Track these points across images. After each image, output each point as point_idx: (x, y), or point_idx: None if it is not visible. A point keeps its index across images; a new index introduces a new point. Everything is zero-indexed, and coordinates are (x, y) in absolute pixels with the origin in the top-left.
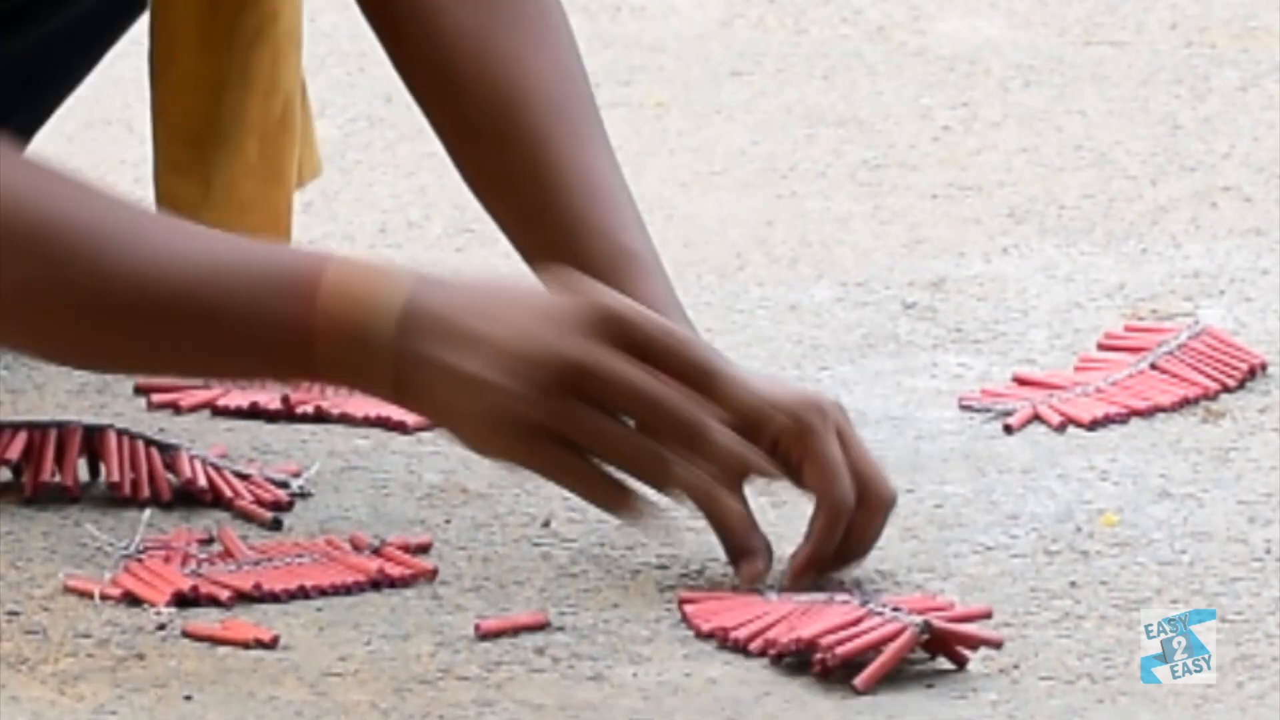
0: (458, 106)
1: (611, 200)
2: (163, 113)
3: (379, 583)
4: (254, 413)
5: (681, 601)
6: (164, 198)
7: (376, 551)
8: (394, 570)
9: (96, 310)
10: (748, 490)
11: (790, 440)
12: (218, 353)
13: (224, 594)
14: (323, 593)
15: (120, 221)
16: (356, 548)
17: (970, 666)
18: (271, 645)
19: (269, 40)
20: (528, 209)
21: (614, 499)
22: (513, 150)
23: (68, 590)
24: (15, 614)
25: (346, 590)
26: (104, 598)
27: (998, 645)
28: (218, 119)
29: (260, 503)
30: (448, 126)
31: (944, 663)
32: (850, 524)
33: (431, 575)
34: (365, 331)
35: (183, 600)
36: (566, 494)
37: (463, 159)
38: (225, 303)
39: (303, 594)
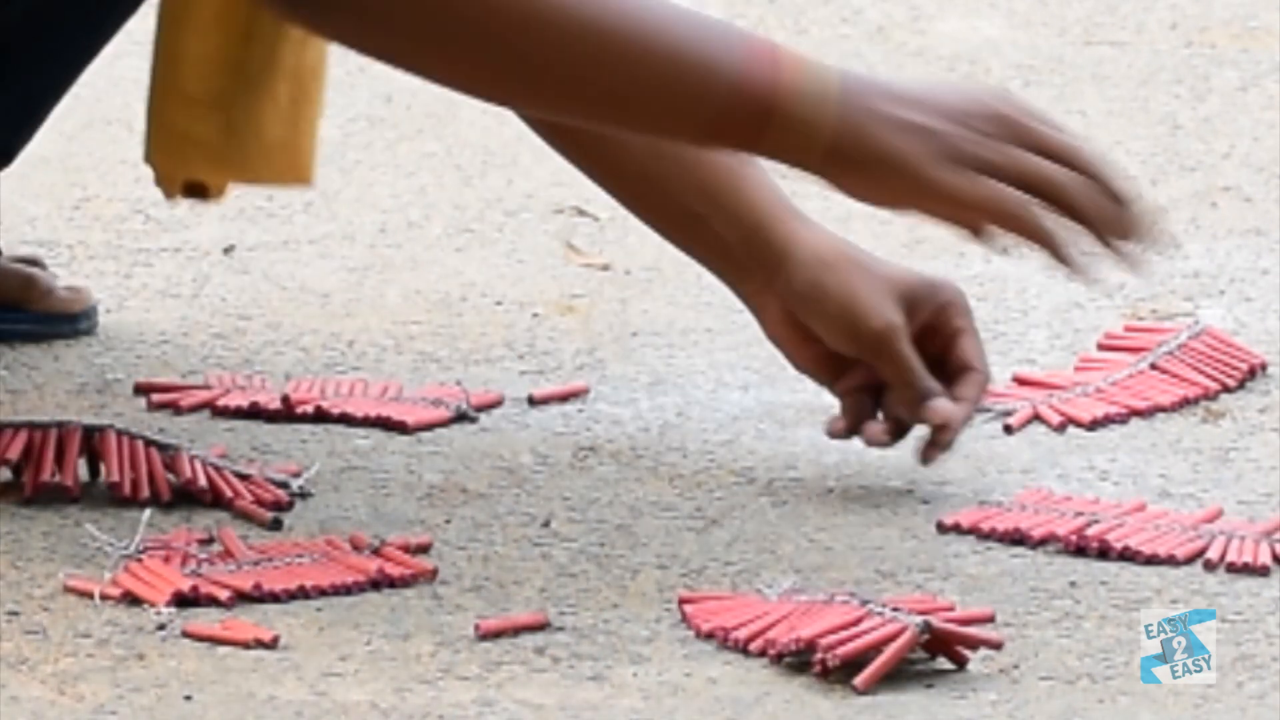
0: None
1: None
2: (176, 54)
3: (379, 583)
4: (254, 413)
5: (681, 601)
6: (172, 139)
7: (376, 551)
8: (394, 570)
9: (579, 47)
10: (749, 486)
11: (953, 313)
12: (674, 98)
13: (224, 594)
14: (323, 593)
15: None
16: (356, 548)
17: (970, 666)
18: (271, 645)
19: None
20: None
21: (1033, 226)
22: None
23: (68, 590)
24: (15, 614)
25: (346, 590)
26: (104, 598)
27: (997, 646)
28: (247, 61)
29: (260, 503)
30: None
31: (944, 663)
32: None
33: (431, 575)
34: (819, 92)
35: (183, 600)
36: (566, 494)
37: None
38: (694, 51)
39: (303, 594)
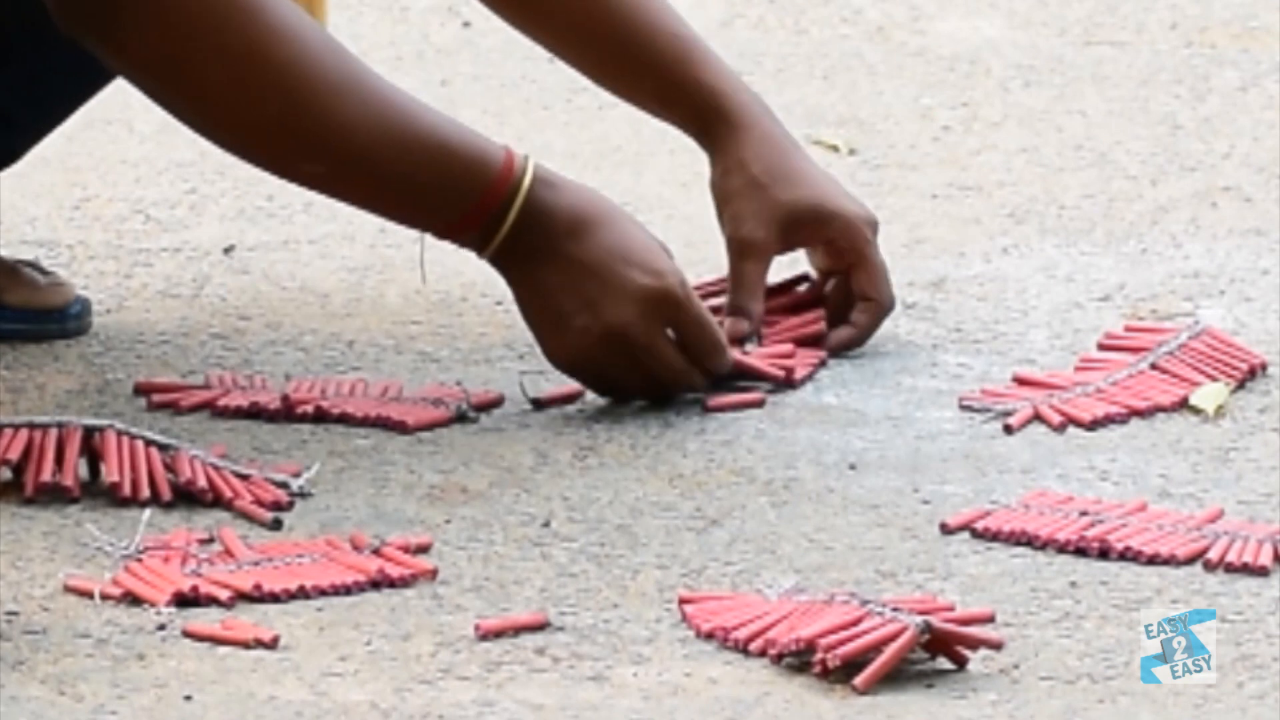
0: None
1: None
2: None
3: (379, 583)
4: (254, 413)
5: (681, 601)
6: None
7: (376, 551)
8: (394, 570)
9: (321, 147)
10: (749, 486)
11: (845, 243)
12: (404, 200)
13: (224, 594)
14: (323, 593)
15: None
16: (356, 548)
17: (970, 666)
18: (271, 645)
19: None
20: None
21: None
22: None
23: (68, 590)
24: (15, 614)
25: (346, 590)
26: (104, 598)
27: (998, 646)
28: None
29: (260, 503)
30: None
31: (944, 663)
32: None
33: (431, 575)
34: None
35: (183, 600)
36: (566, 494)
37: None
38: (433, 169)
39: (303, 594)
